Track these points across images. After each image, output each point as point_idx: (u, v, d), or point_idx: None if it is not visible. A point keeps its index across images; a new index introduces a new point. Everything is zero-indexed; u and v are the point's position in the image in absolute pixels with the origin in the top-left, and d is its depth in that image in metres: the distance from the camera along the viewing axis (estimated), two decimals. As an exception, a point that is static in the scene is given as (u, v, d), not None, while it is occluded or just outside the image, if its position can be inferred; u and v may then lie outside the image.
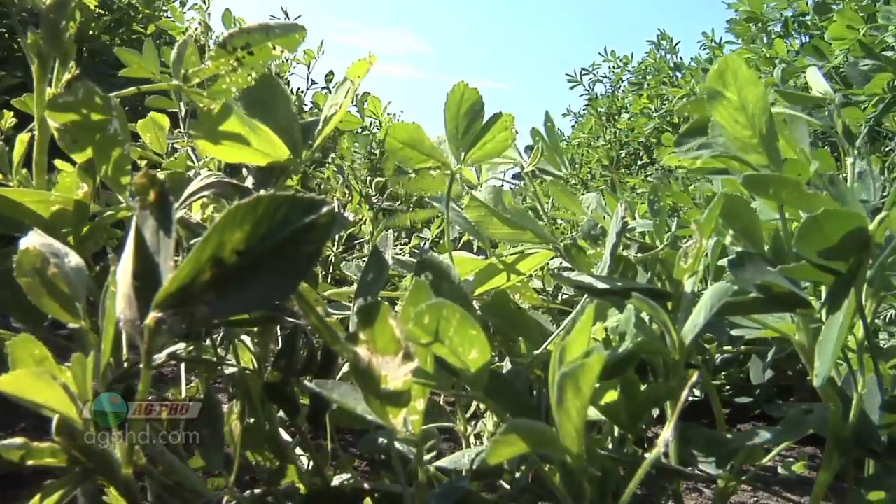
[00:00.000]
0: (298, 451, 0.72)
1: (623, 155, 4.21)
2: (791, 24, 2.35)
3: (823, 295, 0.50)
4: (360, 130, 2.22)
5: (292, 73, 2.20)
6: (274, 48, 0.55)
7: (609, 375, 0.52)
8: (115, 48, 0.92)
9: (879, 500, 0.49)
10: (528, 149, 0.90)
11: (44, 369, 0.40)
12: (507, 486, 0.65)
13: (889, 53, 1.46)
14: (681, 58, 4.10)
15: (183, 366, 0.78)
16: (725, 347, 0.78)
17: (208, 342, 0.72)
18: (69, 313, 0.42)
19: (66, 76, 0.54)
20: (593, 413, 0.55)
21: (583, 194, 1.11)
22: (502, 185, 0.83)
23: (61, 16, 0.53)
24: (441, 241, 1.41)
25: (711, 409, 0.64)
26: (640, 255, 0.76)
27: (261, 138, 0.56)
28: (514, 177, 0.97)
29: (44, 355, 0.41)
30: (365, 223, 1.67)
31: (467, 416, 0.74)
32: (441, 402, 0.79)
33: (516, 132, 0.68)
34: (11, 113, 1.00)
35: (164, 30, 2.94)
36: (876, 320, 0.86)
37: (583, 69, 4.71)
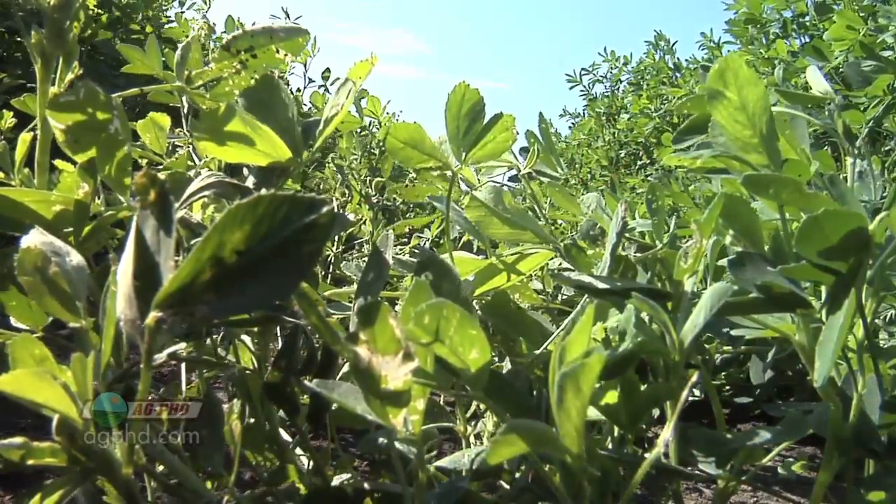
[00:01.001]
0: (298, 451, 0.72)
1: (623, 155, 4.21)
2: (790, 24, 2.35)
3: (823, 295, 0.50)
4: (359, 130, 2.22)
5: (291, 73, 2.20)
6: (277, 51, 0.56)
7: (609, 375, 0.52)
8: (117, 45, 0.91)
9: (879, 500, 0.49)
10: (524, 151, 0.90)
11: (44, 369, 0.40)
12: (507, 486, 0.65)
13: (888, 53, 1.46)
14: (678, 58, 4.11)
15: (183, 366, 0.78)
16: (725, 347, 0.78)
17: (209, 342, 0.72)
18: (70, 312, 0.42)
19: (70, 76, 0.54)
20: (593, 413, 0.55)
21: (583, 194, 1.10)
22: (502, 186, 0.83)
23: (65, 15, 0.53)
24: (441, 241, 1.41)
25: (711, 409, 0.64)
26: (639, 254, 0.76)
27: (262, 138, 0.56)
28: (510, 179, 0.97)
29: (44, 355, 0.41)
30: (365, 223, 1.67)
31: (467, 416, 0.74)
32: (441, 402, 0.79)
33: (517, 133, 0.68)
34: (11, 113, 1.00)
35: (161, 28, 2.94)
36: (876, 320, 0.86)
37: (582, 69, 4.72)
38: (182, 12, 3.23)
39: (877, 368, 0.52)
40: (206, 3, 3.09)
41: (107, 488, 0.53)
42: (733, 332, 0.62)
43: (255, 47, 0.56)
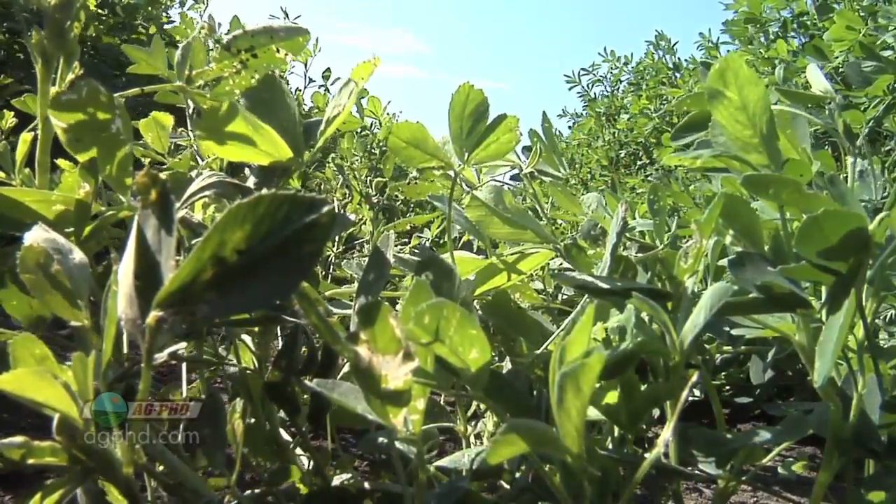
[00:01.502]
0: (299, 450, 0.72)
1: (623, 155, 4.21)
2: (790, 24, 2.36)
3: (823, 295, 0.50)
4: (359, 130, 2.22)
5: (291, 73, 2.20)
6: (278, 51, 0.56)
7: (609, 375, 0.52)
8: (121, 46, 0.91)
9: (879, 500, 0.49)
10: (526, 150, 0.90)
11: (45, 368, 0.40)
12: (507, 486, 0.65)
13: (888, 53, 1.46)
14: (678, 58, 4.11)
15: (184, 365, 0.78)
16: (725, 347, 0.78)
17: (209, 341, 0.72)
18: (72, 310, 0.42)
19: (70, 76, 0.54)
20: (593, 413, 0.55)
21: (583, 195, 1.11)
22: (502, 186, 0.83)
23: (66, 16, 0.53)
24: (442, 241, 1.41)
25: (711, 409, 0.65)
26: (640, 255, 0.76)
27: (264, 138, 0.56)
28: (512, 178, 0.97)
29: (45, 354, 0.41)
30: (365, 223, 1.67)
31: (467, 416, 0.74)
32: (441, 402, 0.79)
33: (520, 134, 0.68)
34: (12, 113, 1.00)
35: (164, 29, 2.94)
36: (876, 320, 0.86)
37: (581, 69, 4.72)
38: (185, 12, 3.23)
39: (877, 368, 0.52)
40: (202, 2, 3.08)
41: (108, 488, 0.53)
42: (733, 332, 0.62)
43: (256, 47, 0.56)
